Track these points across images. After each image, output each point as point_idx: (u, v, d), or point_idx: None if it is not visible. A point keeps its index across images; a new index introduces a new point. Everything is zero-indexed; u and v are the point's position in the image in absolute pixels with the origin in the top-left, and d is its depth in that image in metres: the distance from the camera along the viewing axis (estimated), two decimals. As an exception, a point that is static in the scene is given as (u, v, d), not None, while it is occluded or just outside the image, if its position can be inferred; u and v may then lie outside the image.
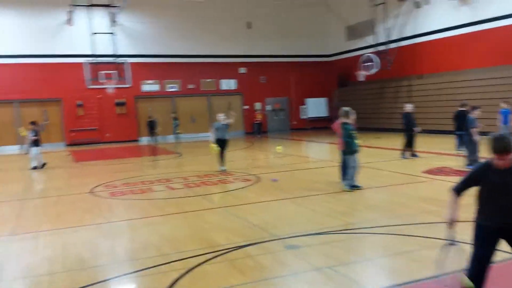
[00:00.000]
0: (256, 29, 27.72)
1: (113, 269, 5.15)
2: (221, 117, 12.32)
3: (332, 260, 4.99)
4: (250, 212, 7.38)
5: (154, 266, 5.02)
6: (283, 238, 5.86)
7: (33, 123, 14.93)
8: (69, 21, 23.47)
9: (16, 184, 12.00)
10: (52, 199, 9.40)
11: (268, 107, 28.84)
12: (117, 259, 5.49)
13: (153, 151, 20.12)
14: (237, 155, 16.87)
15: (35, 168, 14.25)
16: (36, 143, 14.39)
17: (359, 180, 8.86)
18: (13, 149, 23.33)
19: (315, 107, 29.43)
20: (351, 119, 8.78)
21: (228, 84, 27.98)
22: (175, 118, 24.97)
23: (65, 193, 10.02)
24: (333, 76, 29.16)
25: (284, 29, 28.34)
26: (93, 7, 22.40)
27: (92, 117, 24.87)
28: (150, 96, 26.19)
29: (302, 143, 21.44)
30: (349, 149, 8.60)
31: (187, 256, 5.30)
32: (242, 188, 9.62)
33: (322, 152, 17.83)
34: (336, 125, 9.14)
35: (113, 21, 23.59)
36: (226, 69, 27.63)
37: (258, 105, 28.36)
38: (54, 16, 23.68)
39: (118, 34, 23.69)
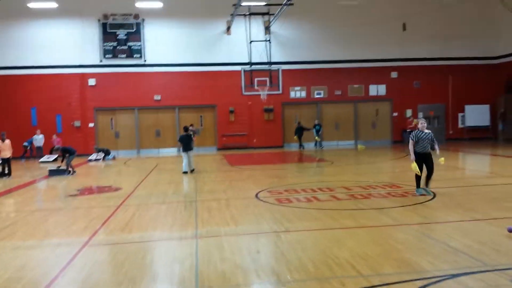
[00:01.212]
0: (411, 30, 25.92)
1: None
2: (423, 123, 9.41)
3: None
4: (444, 233, 6.46)
5: (358, 289, 4.50)
6: (502, 270, 4.89)
7: (185, 128, 15.33)
8: (227, 31, 24.73)
9: (183, 185, 12.68)
10: (222, 201, 9.58)
11: (421, 114, 26.76)
12: (312, 274, 5.07)
13: (304, 158, 19.98)
14: (396, 165, 15.77)
15: (185, 173, 14.43)
16: (186, 147, 14.46)
17: None
18: (174, 151, 25.34)
19: (475, 115, 26.48)
20: None
21: (377, 89, 26.72)
22: (317, 125, 24.60)
23: (232, 197, 10.19)
24: (499, 80, 25.99)
25: (443, 29, 26.05)
26: (249, 16, 23.23)
27: (242, 122, 25.82)
28: (297, 102, 26.25)
29: (465, 154, 19.29)
30: None
31: (391, 281, 4.68)
32: (420, 203, 8.66)
33: (495, 166, 15.69)
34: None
35: (267, 29, 24.18)
36: (375, 74, 26.41)
37: (409, 112, 26.51)
38: (214, 26, 25.15)
39: (271, 42, 24.12)
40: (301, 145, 23.95)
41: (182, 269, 5.40)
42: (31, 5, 22.33)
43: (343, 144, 25.97)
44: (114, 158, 22.04)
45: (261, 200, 9.52)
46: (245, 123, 25.87)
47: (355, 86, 26.54)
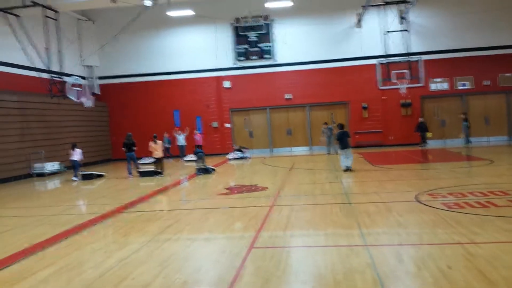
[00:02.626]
0: None
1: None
2: None
3: None
4: None
5: None
6: None
7: (341, 126, 15.04)
8: (358, 24, 23.74)
9: (329, 186, 12.16)
10: (379, 205, 8.87)
11: None
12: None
13: (453, 156, 18.20)
14: None
15: (346, 170, 14.29)
16: (343, 145, 14.41)
17: None
18: (305, 149, 25.18)
19: None
20: None
21: (535, 77, 23.38)
22: (465, 120, 22.36)
23: (389, 199, 9.40)
24: None
25: None
26: (382, 7, 21.90)
27: (376, 119, 24.61)
28: (438, 95, 24.18)
29: None
30: None
31: None
32: None
33: None
34: None
35: (403, 18, 22.61)
36: (531, 60, 23.19)
37: None
38: (343, 20, 24.37)
39: (409, 31, 22.42)
40: (423, 143, 22.23)
41: (363, 281, 4.88)
42: (170, 13, 23.83)
43: (495, 140, 23.26)
44: (247, 157, 22.47)
45: (425, 205, 8.58)
46: (379, 120, 24.63)
47: (507, 75, 23.58)
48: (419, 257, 5.59)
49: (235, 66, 25.45)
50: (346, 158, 14.33)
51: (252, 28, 25.22)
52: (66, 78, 20.17)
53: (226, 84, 25.44)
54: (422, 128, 22.36)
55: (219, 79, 25.50)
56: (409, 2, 21.40)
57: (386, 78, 20.54)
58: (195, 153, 16.78)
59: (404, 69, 20.45)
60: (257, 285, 4.93)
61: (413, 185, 11.08)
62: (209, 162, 20.07)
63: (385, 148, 23.70)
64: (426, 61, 23.06)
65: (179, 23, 25.30)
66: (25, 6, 18.52)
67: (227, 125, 25.55)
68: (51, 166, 19.64)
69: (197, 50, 25.50)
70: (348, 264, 5.43)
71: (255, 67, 25.35)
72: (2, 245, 7.42)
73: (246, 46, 25.33)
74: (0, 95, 17.82)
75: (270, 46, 25.18)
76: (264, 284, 4.97)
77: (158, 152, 16.20)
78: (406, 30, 21.55)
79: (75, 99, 19.91)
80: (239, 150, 22.54)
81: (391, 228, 7.04)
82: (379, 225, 7.29)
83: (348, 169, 14.19)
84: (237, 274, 5.30)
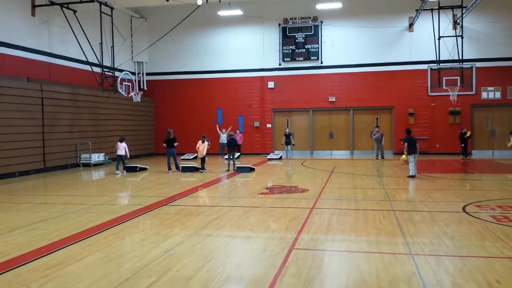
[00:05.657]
0: None
1: None
2: None
3: None
4: None
5: None
6: None
7: (408, 131, 14.79)
8: (410, 28, 23.19)
9: (371, 191, 11.94)
10: (424, 214, 8.63)
11: None
12: None
13: (504, 168, 17.46)
14: None
15: (411, 177, 14.24)
16: (411, 149, 14.23)
17: None
18: (347, 153, 24.88)
19: None
20: None
21: None
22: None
23: (434, 209, 9.13)
24: None
25: None
26: (436, 11, 21.22)
27: (422, 126, 23.97)
28: (489, 104, 23.27)
29: None
30: None
31: None
32: None
33: None
34: None
35: (457, 24, 21.85)
36: None
37: None
38: (394, 23, 23.89)
39: (463, 37, 21.64)
40: (464, 154, 21.15)
41: (408, 291, 4.78)
42: (221, 13, 24.08)
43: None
44: (290, 156, 22.47)
45: (473, 216, 8.28)
46: (426, 127, 23.98)
47: None
48: (467, 269, 5.40)
49: (280, 66, 25.44)
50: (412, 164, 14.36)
51: (300, 29, 25.14)
52: (117, 73, 20.82)
53: (270, 84, 25.49)
54: (463, 138, 21.34)
55: (264, 79, 25.59)
56: (464, 7, 20.68)
57: (436, 85, 19.87)
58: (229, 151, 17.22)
59: (456, 76, 19.72)
60: (299, 286, 4.91)
61: (460, 195, 10.73)
62: (249, 162, 20.20)
63: (431, 156, 23.04)
64: (478, 68, 22.11)
65: (228, 23, 25.55)
66: (82, 2, 19.27)
67: (268, 125, 25.60)
68: (97, 157, 20.34)
69: (244, 50, 25.68)
70: (392, 272, 5.31)
71: (301, 68, 25.27)
72: (50, 230, 7.75)
73: (292, 47, 25.29)
74: (53, 87, 18.63)
75: (317, 48, 25.02)
76: (306, 285, 4.94)
77: (202, 152, 16.47)
78: (460, 36, 20.74)
79: (124, 94, 20.51)
80: (288, 135, 22.48)
81: (437, 238, 6.83)
82: (425, 234, 7.09)
83: (413, 176, 14.21)
84: (278, 274, 5.30)
